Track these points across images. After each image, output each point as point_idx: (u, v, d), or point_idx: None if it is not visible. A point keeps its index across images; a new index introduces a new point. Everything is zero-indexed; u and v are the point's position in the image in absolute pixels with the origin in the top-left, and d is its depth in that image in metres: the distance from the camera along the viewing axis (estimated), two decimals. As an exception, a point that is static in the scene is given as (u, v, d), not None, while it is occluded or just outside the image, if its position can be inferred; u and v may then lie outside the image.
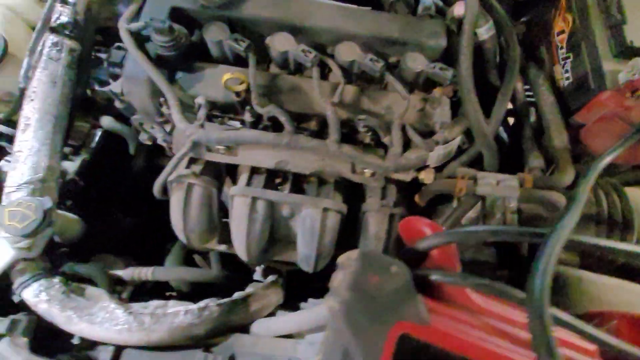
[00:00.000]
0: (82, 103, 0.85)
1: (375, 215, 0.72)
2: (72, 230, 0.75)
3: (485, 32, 0.80)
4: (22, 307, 0.63)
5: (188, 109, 0.72)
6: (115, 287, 0.72)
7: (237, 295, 0.70)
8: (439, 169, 0.73)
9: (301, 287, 0.85)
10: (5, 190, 0.67)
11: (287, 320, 0.68)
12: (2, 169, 0.71)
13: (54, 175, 0.71)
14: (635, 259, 0.38)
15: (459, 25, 0.76)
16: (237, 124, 0.73)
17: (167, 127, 0.79)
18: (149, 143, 0.81)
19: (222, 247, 0.79)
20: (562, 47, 0.85)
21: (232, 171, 0.82)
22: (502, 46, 0.85)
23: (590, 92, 0.69)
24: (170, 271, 0.78)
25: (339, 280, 0.45)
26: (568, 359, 0.39)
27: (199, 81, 0.75)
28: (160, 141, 0.80)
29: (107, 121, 0.92)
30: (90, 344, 0.62)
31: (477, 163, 0.74)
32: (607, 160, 0.54)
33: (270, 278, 0.80)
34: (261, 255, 0.77)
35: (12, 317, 0.59)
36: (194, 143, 0.69)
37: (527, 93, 0.87)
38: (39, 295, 0.61)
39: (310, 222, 0.70)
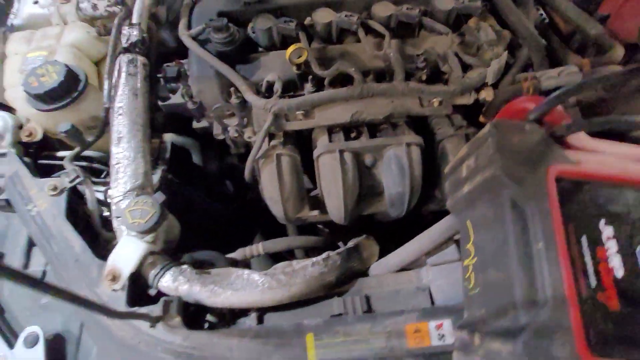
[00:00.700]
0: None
1: (452, 139, 0.77)
2: (175, 230, 0.78)
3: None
4: (157, 299, 0.65)
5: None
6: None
7: (348, 245, 0.73)
8: (494, 86, 0.80)
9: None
10: (113, 201, 0.71)
11: (404, 252, 0.71)
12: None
13: (150, 180, 0.75)
14: None
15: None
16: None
17: (233, 121, 0.85)
18: (222, 137, 0.86)
19: (314, 213, 0.82)
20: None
21: (304, 141, 0.87)
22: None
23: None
24: (279, 242, 0.80)
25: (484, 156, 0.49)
26: None
27: (258, 68, 0.82)
28: (232, 133, 0.85)
29: (170, 137, 0.97)
30: (234, 314, 0.64)
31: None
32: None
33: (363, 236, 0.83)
34: (354, 211, 0.81)
35: (163, 298, 0.61)
36: (276, 114, 0.75)
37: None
38: (176, 280, 0.64)
39: (397, 160, 0.75)
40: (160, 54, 0.90)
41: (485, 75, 0.75)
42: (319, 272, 0.66)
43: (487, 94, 0.78)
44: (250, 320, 0.64)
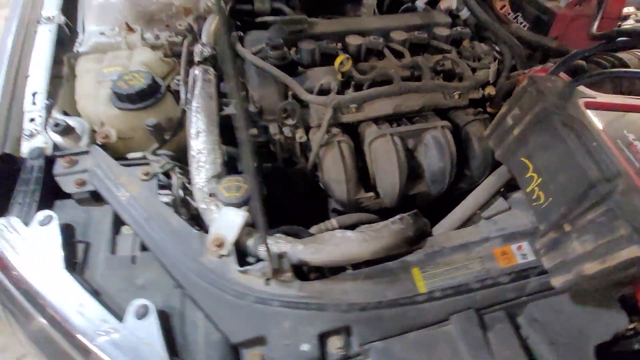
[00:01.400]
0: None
1: (474, 124, 0.96)
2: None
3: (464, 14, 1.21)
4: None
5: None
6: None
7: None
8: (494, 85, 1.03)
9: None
10: (196, 186, 0.76)
11: (460, 211, 0.82)
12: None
13: (225, 172, 0.81)
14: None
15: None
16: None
17: (289, 121, 0.96)
18: (278, 137, 0.96)
19: (370, 194, 0.92)
20: (508, 14, 1.29)
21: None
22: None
23: (549, 17, 1.09)
24: (350, 217, 0.86)
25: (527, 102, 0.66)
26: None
27: (306, 80, 0.97)
28: (287, 133, 0.95)
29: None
30: (334, 272, 0.68)
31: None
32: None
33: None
34: (403, 191, 0.92)
35: (275, 253, 0.64)
36: (334, 108, 0.88)
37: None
38: (277, 243, 0.68)
39: (435, 140, 0.91)
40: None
41: (488, 74, 0.98)
42: (399, 228, 0.74)
43: (490, 90, 1.00)
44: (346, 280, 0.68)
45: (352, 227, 0.93)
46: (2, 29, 0.92)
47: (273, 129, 0.95)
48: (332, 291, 0.62)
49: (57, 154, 0.75)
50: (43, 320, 0.57)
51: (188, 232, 0.67)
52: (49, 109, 0.81)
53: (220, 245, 0.65)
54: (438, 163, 0.91)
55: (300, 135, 0.95)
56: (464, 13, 1.21)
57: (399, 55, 1.03)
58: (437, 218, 0.87)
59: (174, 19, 1.03)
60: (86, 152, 0.76)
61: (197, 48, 0.90)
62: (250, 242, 0.68)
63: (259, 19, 1.06)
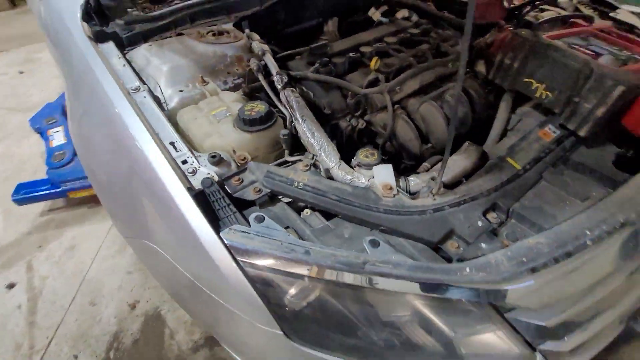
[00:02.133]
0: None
1: (467, 80, 1.37)
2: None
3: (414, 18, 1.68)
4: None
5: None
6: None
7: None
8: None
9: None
10: (334, 169, 0.99)
11: (496, 131, 1.20)
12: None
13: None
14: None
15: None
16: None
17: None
18: (350, 128, 1.23)
19: (429, 145, 1.25)
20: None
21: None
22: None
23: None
24: (430, 160, 1.16)
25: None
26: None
27: (350, 82, 1.28)
28: (354, 123, 1.23)
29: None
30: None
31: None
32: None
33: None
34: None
35: (432, 172, 0.90)
36: (388, 92, 1.20)
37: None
38: (429, 172, 0.95)
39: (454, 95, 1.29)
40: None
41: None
42: (475, 146, 1.07)
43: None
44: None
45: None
46: (98, 99, 1.03)
47: (344, 122, 1.23)
48: (472, 188, 0.91)
49: (224, 178, 0.91)
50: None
51: (362, 190, 0.90)
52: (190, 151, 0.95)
53: (389, 188, 0.89)
54: (462, 109, 1.29)
55: (362, 123, 1.24)
56: (414, 17, 1.68)
57: (398, 52, 1.42)
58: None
59: (230, 66, 1.25)
60: (244, 170, 0.93)
61: (276, 78, 1.14)
62: (401, 182, 0.94)
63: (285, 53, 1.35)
